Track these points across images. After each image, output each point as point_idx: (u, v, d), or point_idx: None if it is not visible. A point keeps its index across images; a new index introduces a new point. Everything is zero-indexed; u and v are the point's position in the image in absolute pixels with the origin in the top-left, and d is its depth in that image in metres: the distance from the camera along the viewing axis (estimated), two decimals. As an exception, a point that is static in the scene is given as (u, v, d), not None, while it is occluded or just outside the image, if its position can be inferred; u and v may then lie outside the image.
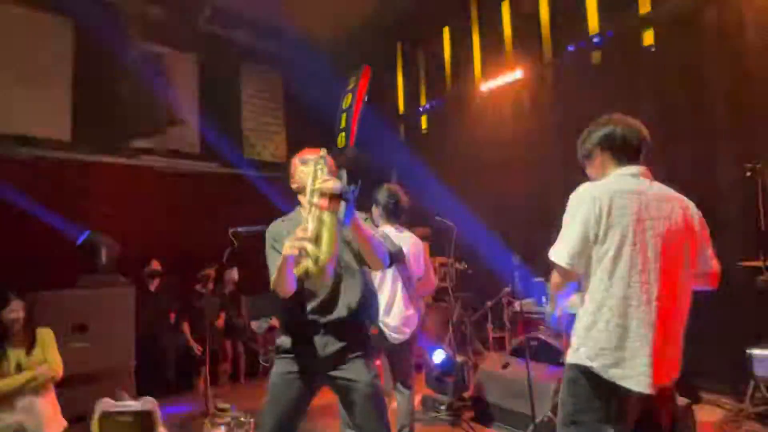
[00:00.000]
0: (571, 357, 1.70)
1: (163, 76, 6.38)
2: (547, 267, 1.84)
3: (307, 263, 1.63)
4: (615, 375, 1.58)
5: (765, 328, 3.14)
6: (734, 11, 3.87)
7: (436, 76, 6.52)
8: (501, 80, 5.54)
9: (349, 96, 7.40)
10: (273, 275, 1.88)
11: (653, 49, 4.36)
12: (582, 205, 1.67)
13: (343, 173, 1.76)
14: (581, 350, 1.66)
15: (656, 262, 1.62)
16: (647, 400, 1.61)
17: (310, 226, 1.66)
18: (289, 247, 1.67)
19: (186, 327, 5.14)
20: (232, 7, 6.44)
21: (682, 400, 2.49)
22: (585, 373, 1.64)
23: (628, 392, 1.57)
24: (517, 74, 5.39)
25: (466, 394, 3.90)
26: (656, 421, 1.68)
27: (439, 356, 3.97)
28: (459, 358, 4.12)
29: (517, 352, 3.84)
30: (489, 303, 4.78)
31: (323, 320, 1.90)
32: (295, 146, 7.74)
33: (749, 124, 3.73)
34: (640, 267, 1.61)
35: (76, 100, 5.73)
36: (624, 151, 1.77)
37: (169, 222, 5.96)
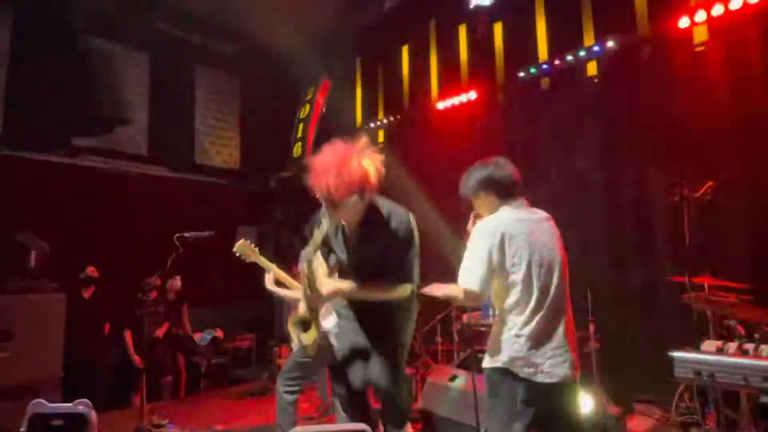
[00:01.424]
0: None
1: (111, 72, 6.09)
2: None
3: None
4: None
5: (692, 340, 3.38)
6: (664, 50, 4.23)
7: (394, 92, 6.64)
8: (456, 100, 5.73)
9: (307, 106, 7.38)
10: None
11: (596, 80, 4.67)
12: (484, 236, 1.94)
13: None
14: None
15: (548, 275, 1.94)
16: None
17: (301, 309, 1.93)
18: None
19: (128, 337, 4.85)
20: (188, 7, 6.28)
21: (614, 410, 2.63)
22: None
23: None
24: (472, 95, 5.60)
25: (413, 406, 3.91)
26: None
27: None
28: (407, 371, 4.14)
29: (464, 364, 3.91)
30: (438, 316, 4.85)
31: None
32: (249, 153, 7.64)
33: (680, 151, 4.06)
34: (540, 283, 1.91)
35: (10, 93, 5.34)
36: (504, 190, 2.08)
37: (109, 226, 5.64)
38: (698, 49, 4.03)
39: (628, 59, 4.45)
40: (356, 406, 2.09)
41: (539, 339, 1.86)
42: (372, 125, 6.78)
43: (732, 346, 1.10)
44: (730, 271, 3.44)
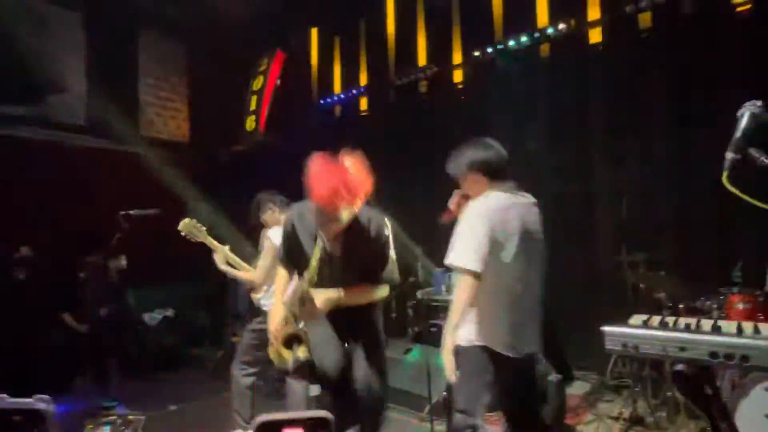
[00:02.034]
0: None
1: (40, 33, 5.58)
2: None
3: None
4: None
5: (627, 312, 3.65)
6: (612, 33, 4.40)
7: (352, 66, 6.51)
8: (414, 76, 5.71)
9: (261, 78, 7.12)
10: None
11: (548, 61, 4.79)
12: (483, 218, 1.93)
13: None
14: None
15: (534, 260, 2.02)
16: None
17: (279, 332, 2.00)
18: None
19: (68, 318, 4.63)
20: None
21: (555, 377, 2.83)
22: None
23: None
24: (429, 72, 5.59)
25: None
26: None
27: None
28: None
29: (417, 338, 4.05)
30: (393, 292, 4.95)
31: None
32: (199, 126, 7.31)
33: (622, 135, 4.27)
34: (527, 267, 1.98)
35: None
36: (494, 172, 2.09)
37: (46, 203, 5.27)
38: (644, 35, 4.20)
39: (578, 42, 4.58)
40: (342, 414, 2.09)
41: (521, 320, 1.97)
42: (329, 100, 6.66)
43: (655, 320, 1.21)
44: (662, 248, 3.73)
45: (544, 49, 4.81)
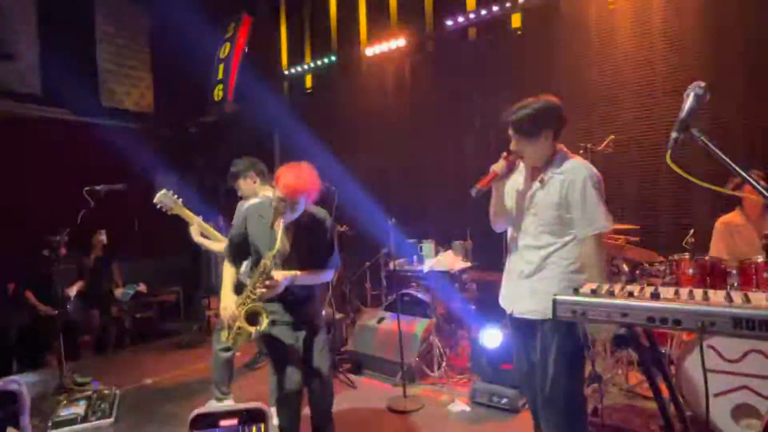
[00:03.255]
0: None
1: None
2: (419, 230, 2.05)
3: (226, 337, 2.23)
4: None
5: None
6: (581, 6, 4.43)
7: (322, 34, 6.35)
8: (385, 46, 5.62)
9: (227, 45, 6.85)
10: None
11: (519, 33, 4.80)
12: (599, 178, 1.96)
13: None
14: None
15: None
16: None
17: (236, 313, 2.16)
18: (222, 315, 2.27)
19: (30, 296, 4.53)
20: None
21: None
22: None
23: None
24: (401, 42, 5.52)
25: (343, 348, 4.14)
26: None
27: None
28: (338, 315, 4.33)
29: (390, 307, 4.16)
30: (367, 263, 5.04)
31: None
32: (164, 95, 7.03)
33: (588, 107, 4.38)
34: None
35: None
36: (561, 131, 1.98)
37: (2, 178, 5.05)
38: (611, 6, 4.26)
39: (548, 13, 4.59)
40: (294, 402, 2.23)
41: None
42: (299, 69, 6.50)
43: (604, 287, 1.30)
44: (623, 215, 3.91)
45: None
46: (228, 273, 2.36)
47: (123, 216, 5.73)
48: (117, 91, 6.69)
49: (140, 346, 5.14)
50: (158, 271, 6.12)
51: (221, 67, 6.86)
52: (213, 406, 3.02)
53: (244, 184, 3.11)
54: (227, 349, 3.17)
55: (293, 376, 2.22)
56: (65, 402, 3.36)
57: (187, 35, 6.61)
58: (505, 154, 1.99)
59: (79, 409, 3.23)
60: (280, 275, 2.15)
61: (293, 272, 2.20)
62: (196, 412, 0.91)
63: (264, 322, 2.10)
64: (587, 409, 2.09)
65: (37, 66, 5.75)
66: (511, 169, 2.04)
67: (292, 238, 2.27)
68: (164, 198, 2.92)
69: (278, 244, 2.10)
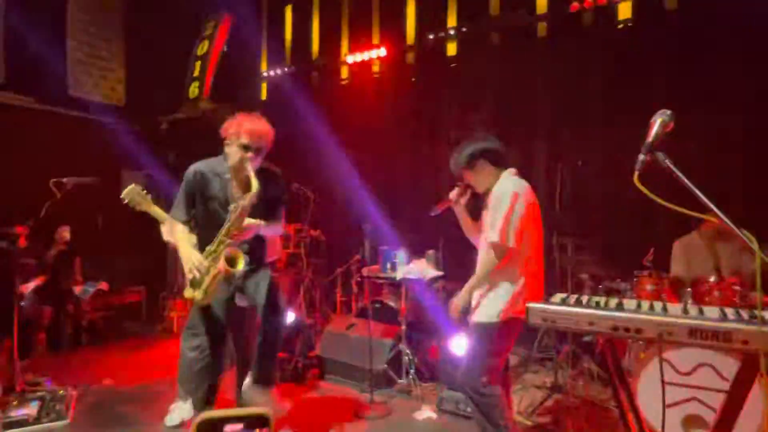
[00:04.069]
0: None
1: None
2: (394, 236, 2.12)
3: (194, 294, 2.41)
4: None
5: (555, 291, 3.98)
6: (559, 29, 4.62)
7: (303, 38, 6.35)
8: (366, 55, 5.68)
9: (206, 42, 6.76)
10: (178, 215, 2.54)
11: (498, 50, 4.94)
12: (514, 198, 2.20)
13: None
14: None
15: (541, 237, 2.34)
16: None
17: (205, 263, 2.32)
18: (188, 271, 2.36)
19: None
20: None
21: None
22: None
23: None
24: (381, 52, 5.59)
25: (311, 353, 4.11)
26: None
27: (288, 318, 4.08)
28: (307, 321, 4.31)
29: (361, 314, 4.17)
30: (339, 269, 5.04)
31: None
32: (136, 89, 6.85)
33: (561, 127, 4.55)
34: (537, 243, 2.31)
35: None
36: (500, 159, 2.37)
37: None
38: (620, 26, 4.36)
39: (527, 33, 4.75)
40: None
41: (538, 287, 2.29)
42: (278, 72, 6.47)
43: (572, 297, 1.38)
44: (589, 235, 4.06)
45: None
46: (182, 230, 2.50)
47: (87, 211, 5.53)
48: (86, 81, 6.47)
49: (100, 346, 4.94)
50: (121, 270, 5.93)
51: (198, 64, 6.75)
52: (179, 406, 2.94)
53: None
54: (192, 348, 3.09)
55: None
56: (15, 402, 3.20)
57: (163, 29, 6.49)
58: (459, 183, 2.43)
59: (31, 410, 3.08)
60: (251, 223, 2.33)
61: (258, 221, 2.38)
62: (200, 417, 0.91)
63: (240, 263, 2.28)
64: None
65: (1, 50, 5.51)
66: (461, 195, 2.44)
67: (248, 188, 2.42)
68: (133, 194, 2.82)
69: (254, 187, 2.22)
